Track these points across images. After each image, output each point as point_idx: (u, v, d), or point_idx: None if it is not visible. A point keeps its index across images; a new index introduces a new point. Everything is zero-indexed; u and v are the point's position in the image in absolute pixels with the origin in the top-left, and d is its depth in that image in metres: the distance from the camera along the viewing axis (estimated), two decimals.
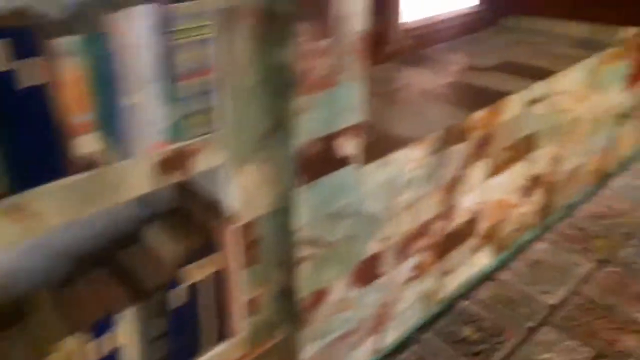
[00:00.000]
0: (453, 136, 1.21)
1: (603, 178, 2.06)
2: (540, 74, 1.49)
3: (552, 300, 1.46)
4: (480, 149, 1.32)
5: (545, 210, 1.78)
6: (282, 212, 0.92)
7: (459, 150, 1.24)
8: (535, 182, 1.65)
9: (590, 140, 1.85)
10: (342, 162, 0.95)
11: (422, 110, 1.27)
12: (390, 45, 1.57)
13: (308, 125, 0.85)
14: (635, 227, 1.76)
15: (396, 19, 1.55)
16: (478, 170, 1.35)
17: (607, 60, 1.72)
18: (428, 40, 1.73)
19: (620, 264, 1.59)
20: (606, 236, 1.72)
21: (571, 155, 1.77)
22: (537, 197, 1.70)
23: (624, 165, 2.16)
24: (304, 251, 0.96)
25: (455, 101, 1.32)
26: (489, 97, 1.34)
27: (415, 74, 1.51)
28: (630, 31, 1.75)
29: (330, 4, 0.78)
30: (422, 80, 1.46)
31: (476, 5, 1.92)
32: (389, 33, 1.55)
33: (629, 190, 1.98)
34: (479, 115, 1.27)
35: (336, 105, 0.88)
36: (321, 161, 0.90)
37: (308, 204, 0.92)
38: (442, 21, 1.79)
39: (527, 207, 1.68)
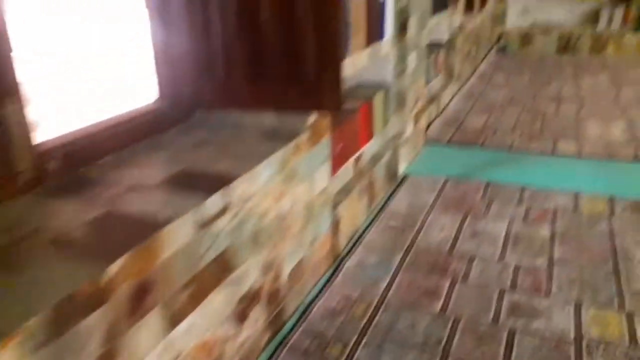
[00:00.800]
0: (77, 307, 0.86)
1: (336, 261, 1.94)
2: (222, 181, 1.26)
3: None
4: (139, 303, 1.00)
5: (274, 325, 1.55)
6: None
7: (95, 321, 0.90)
8: (249, 300, 1.40)
9: (307, 231, 1.70)
10: None
11: (38, 274, 0.90)
12: (23, 174, 1.18)
13: None
14: (367, 320, 1.63)
15: (26, 139, 1.17)
16: (147, 328, 1.02)
17: (302, 147, 1.60)
18: (89, 155, 1.39)
19: None
20: (341, 339, 1.54)
21: (288, 255, 1.59)
22: (258, 315, 1.46)
23: (356, 241, 2.09)
24: None
25: (95, 248, 0.98)
26: (144, 231, 1.04)
27: (57, 208, 1.14)
28: (315, 115, 1.67)
29: None
30: (64, 218, 1.10)
31: (156, 101, 1.67)
32: (15, 159, 1.16)
33: (360, 270, 1.89)
34: (123, 262, 0.95)
35: None
36: None
37: None
38: (112, 126, 1.48)
39: (248, 332, 1.41)
